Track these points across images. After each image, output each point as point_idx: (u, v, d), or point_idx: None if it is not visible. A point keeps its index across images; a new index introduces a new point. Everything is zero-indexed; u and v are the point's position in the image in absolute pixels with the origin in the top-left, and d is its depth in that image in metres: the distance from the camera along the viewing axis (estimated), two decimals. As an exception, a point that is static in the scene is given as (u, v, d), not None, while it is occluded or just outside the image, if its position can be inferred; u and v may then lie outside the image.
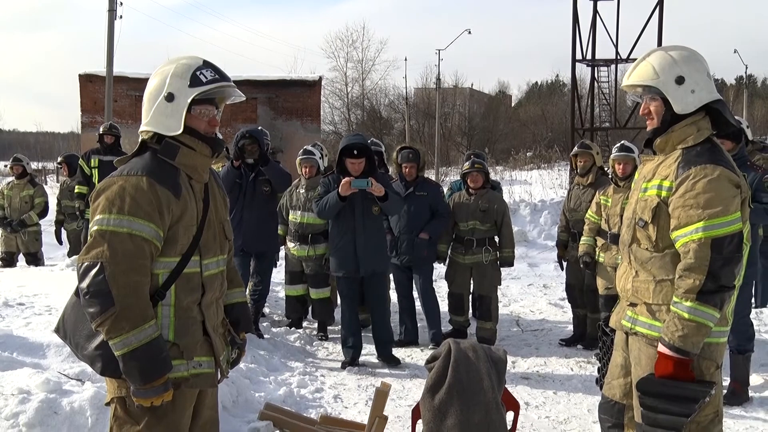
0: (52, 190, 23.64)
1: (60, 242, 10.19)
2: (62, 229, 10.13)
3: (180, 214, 2.39)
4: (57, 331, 2.52)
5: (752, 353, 5.00)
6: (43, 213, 9.59)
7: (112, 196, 2.31)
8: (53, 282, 6.72)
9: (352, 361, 5.76)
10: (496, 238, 6.49)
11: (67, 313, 2.48)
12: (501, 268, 6.52)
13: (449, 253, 6.59)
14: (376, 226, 5.74)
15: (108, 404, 2.47)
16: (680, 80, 2.64)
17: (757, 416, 4.62)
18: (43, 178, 37.79)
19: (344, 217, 5.63)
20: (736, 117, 5.28)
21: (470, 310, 6.77)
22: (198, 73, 2.41)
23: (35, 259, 9.51)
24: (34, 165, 36.03)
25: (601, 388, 3.12)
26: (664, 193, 2.65)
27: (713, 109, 2.69)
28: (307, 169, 6.60)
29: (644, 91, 2.73)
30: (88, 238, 2.33)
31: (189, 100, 2.39)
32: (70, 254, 9.47)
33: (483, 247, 6.37)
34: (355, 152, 5.51)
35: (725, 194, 2.54)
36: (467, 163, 6.66)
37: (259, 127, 6.74)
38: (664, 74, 2.66)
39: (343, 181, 5.42)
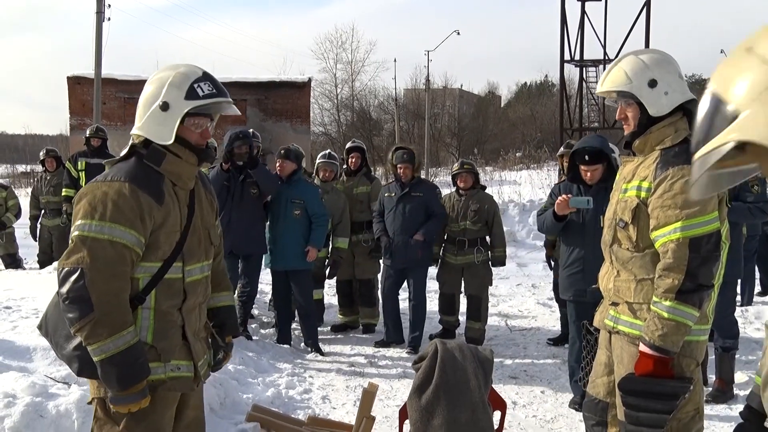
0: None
1: (35, 239, 9.56)
2: (38, 224, 9.43)
3: (162, 220, 2.38)
4: (40, 328, 2.54)
5: (737, 351, 5.05)
6: (18, 215, 9.48)
7: (95, 201, 2.30)
8: (40, 285, 6.67)
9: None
10: (488, 238, 6.52)
11: (49, 311, 2.49)
12: (492, 268, 6.55)
13: (441, 253, 6.61)
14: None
15: (91, 403, 2.49)
16: (653, 83, 2.68)
17: (742, 413, 4.65)
18: (32, 180, 37.53)
19: (573, 231, 4.85)
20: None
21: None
22: (195, 85, 2.38)
23: (14, 260, 9.44)
24: (22, 168, 35.75)
25: (584, 387, 3.15)
26: (643, 194, 2.69)
27: (689, 109, 2.73)
28: (327, 173, 6.83)
29: (619, 96, 2.77)
30: (70, 242, 2.32)
31: (183, 113, 2.37)
32: (55, 253, 9.34)
33: (475, 247, 6.40)
34: (587, 158, 4.68)
35: (702, 194, 2.57)
36: (456, 164, 6.77)
37: (251, 130, 6.75)
38: (637, 79, 2.69)
39: (560, 199, 4.69)
